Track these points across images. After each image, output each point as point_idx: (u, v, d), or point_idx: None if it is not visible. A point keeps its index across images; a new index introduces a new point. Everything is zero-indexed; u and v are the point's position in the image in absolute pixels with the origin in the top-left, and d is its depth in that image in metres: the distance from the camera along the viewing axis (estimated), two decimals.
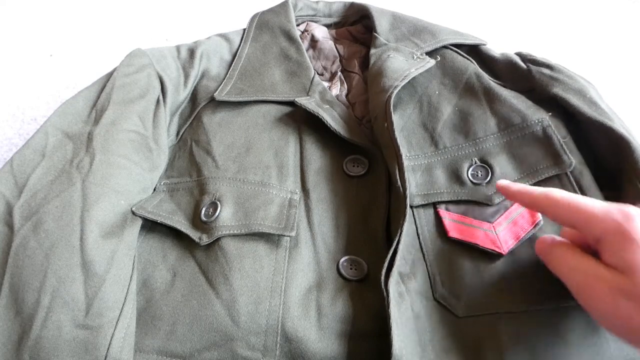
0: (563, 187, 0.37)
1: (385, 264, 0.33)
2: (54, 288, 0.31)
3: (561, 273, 0.30)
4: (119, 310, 0.32)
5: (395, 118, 0.43)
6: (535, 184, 0.37)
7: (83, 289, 0.31)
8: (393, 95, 0.40)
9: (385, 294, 0.32)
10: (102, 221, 0.34)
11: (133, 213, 0.37)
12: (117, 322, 0.31)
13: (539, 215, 0.36)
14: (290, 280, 0.35)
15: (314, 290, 0.35)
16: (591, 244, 0.29)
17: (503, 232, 0.36)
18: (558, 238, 0.32)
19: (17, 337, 0.30)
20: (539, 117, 0.40)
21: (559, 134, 0.39)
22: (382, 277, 0.33)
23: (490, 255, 0.35)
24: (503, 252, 0.35)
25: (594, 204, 0.28)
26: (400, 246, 0.34)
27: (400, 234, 0.34)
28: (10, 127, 0.59)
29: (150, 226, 0.38)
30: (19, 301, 0.31)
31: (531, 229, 0.35)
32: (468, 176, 0.39)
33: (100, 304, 0.31)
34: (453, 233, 0.37)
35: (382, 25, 0.52)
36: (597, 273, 0.27)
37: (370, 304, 0.34)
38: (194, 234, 0.36)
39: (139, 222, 0.37)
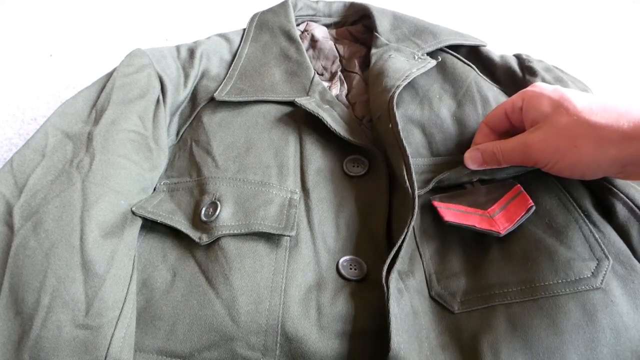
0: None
1: (388, 260, 0.33)
2: (54, 288, 0.31)
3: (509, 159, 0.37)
4: (119, 310, 0.32)
5: (398, 117, 0.43)
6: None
7: (83, 289, 0.31)
8: (396, 95, 0.40)
9: (385, 288, 0.32)
10: (102, 221, 0.34)
11: (133, 213, 0.37)
12: (117, 322, 0.31)
13: (531, 201, 0.36)
14: (290, 280, 0.35)
15: (314, 290, 0.35)
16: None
17: (498, 216, 0.36)
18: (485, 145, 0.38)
19: (17, 337, 0.30)
20: None
21: None
22: (384, 273, 0.33)
23: (484, 248, 0.36)
24: (500, 232, 0.35)
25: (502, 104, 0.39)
26: (404, 244, 0.34)
27: (407, 232, 0.34)
28: (10, 127, 0.59)
29: (150, 226, 0.38)
30: (19, 301, 0.30)
31: (524, 214, 0.36)
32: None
33: (100, 304, 0.31)
34: (449, 217, 0.37)
35: (383, 25, 0.52)
36: (526, 140, 0.35)
37: (370, 303, 0.34)
38: (194, 234, 0.36)
39: (139, 222, 0.37)
